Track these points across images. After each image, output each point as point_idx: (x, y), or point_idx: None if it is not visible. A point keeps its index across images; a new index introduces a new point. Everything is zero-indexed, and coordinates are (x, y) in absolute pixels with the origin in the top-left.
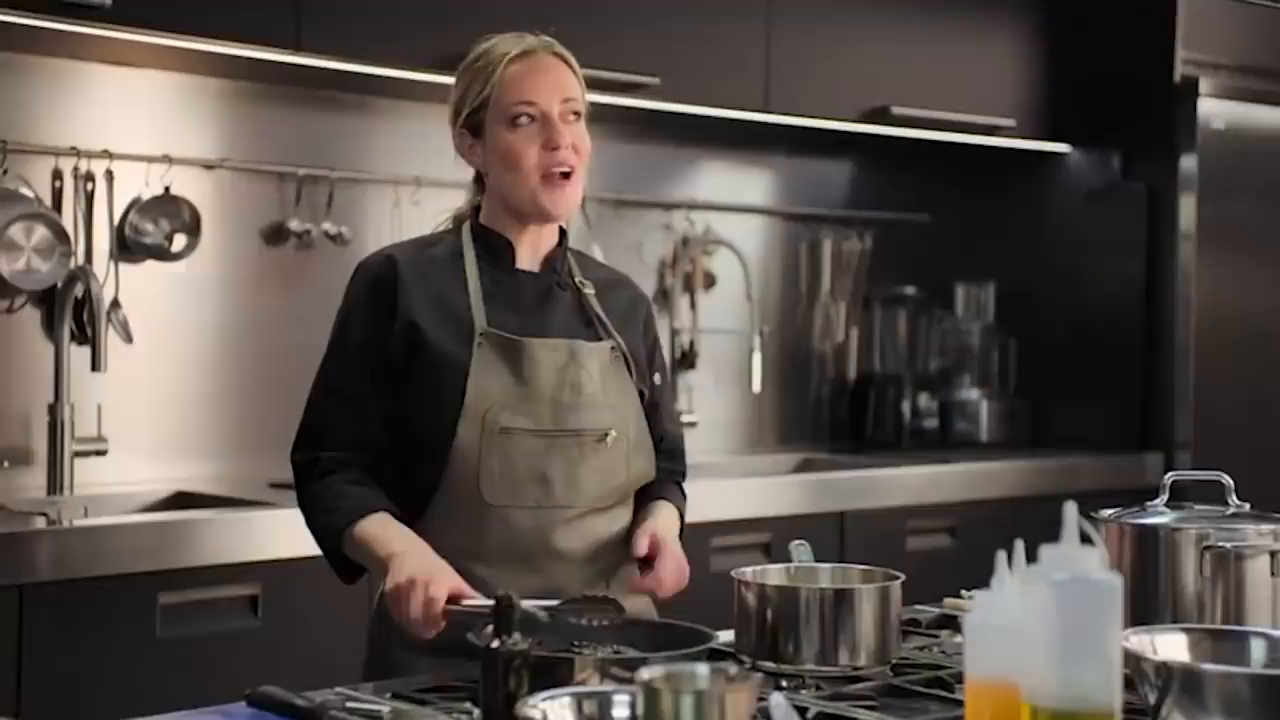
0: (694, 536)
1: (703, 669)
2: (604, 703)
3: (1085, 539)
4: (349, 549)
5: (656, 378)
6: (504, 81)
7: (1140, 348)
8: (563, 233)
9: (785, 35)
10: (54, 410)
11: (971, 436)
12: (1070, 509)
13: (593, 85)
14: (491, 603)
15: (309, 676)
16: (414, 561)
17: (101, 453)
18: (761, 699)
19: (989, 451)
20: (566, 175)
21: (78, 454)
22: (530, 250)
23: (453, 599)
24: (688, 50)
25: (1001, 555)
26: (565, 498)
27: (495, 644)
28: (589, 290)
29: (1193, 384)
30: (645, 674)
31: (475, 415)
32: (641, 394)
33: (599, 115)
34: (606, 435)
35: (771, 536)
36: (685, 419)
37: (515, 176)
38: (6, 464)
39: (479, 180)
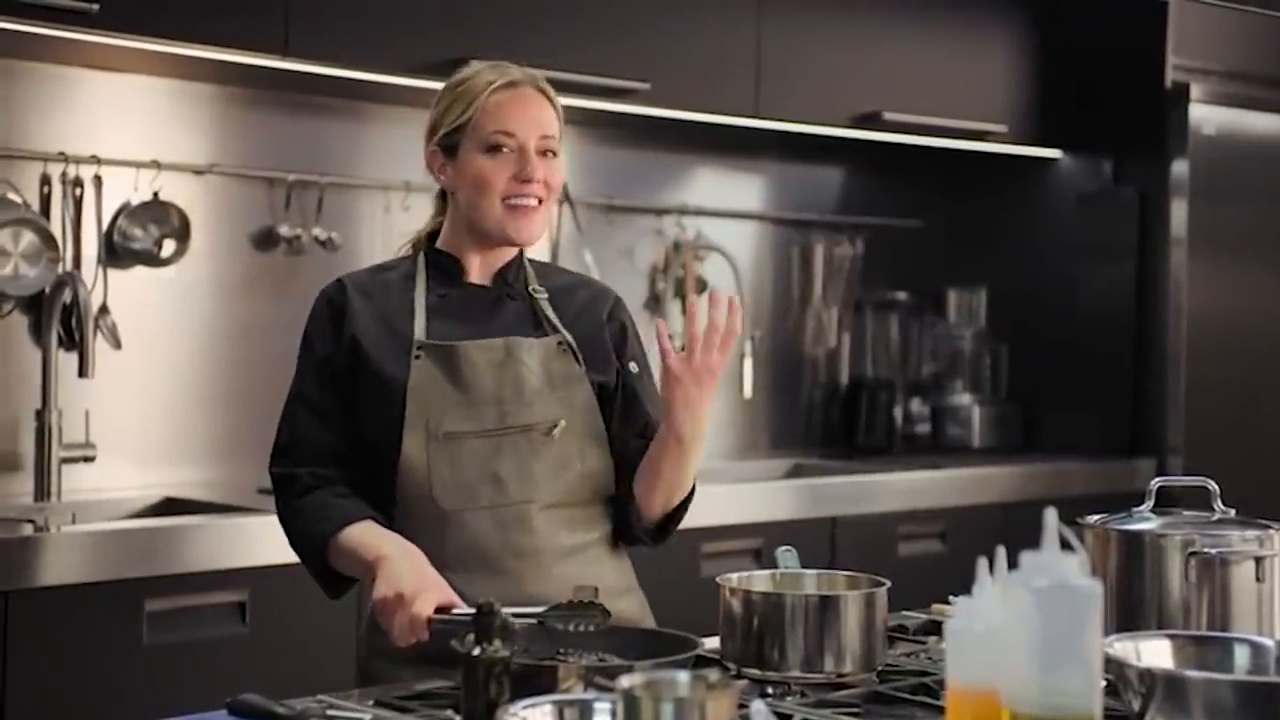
0: (684, 542)
1: (683, 676)
2: (585, 710)
3: (1066, 545)
4: (334, 558)
5: (633, 365)
6: (486, 108)
7: (1131, 353)
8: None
9: (775, 40)
10: (41, 416)
11: (963, 442)
12: (1050, 515)
13: (583, 91)
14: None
15: (296, 683)
16: (404, 571)
17: (89, 459)
18: (743, 706)
19: (980, 457)
20: (533, 206)
21: (65, 460)
22: (483, 266)
23: (441, 610)
24: (678, 55)
25: (983, 562)
26: (520, 493)
27: (476, 651)
28: (541, 295)
29: (1184, 389)
30: (625, 681)
31: (418, 424)
32: (600, 384)
33: (590, 120)
34: (555, 426)
35: (763, 542)
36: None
37: (483, 201)
38: None
39: (442, 198)
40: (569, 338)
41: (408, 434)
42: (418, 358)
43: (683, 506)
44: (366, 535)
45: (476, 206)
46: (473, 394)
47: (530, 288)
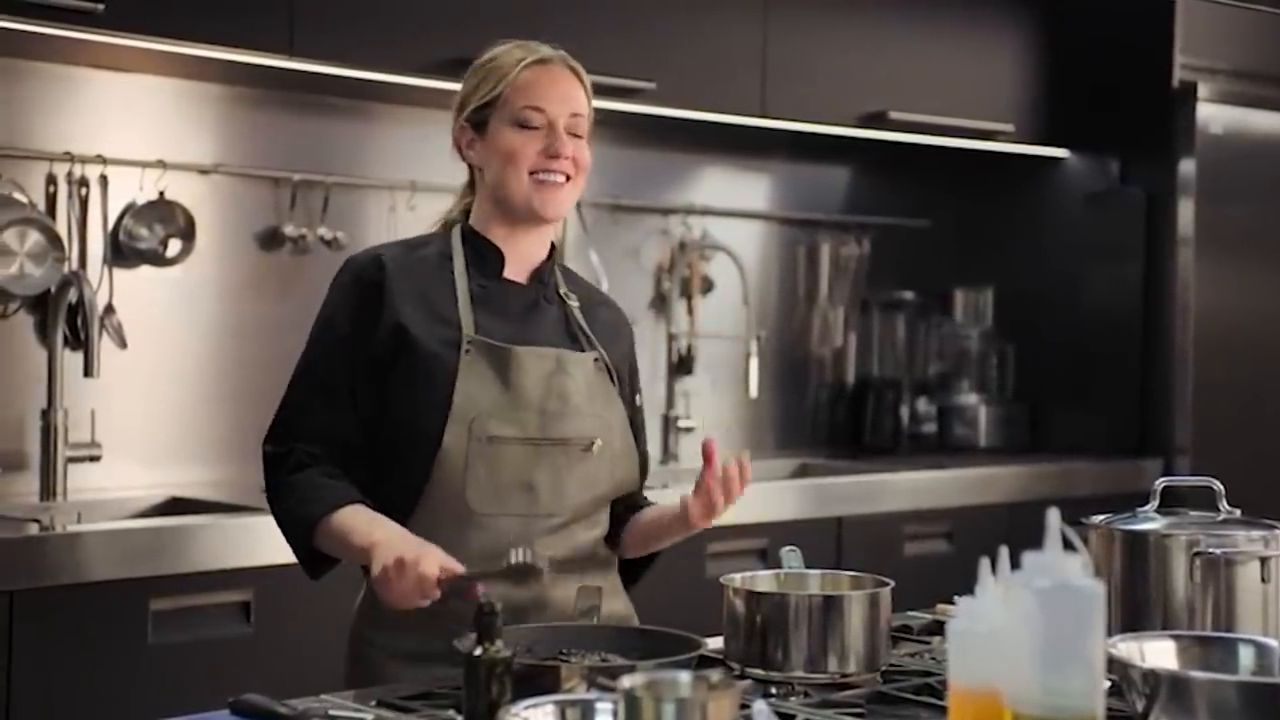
0: (689, 542)
1: (684, 676)
2: (586, 710)
3: (1068, 546)
4: (321, 539)
5: (638, 399)
6: (517, 84)
7: (1139, 353)
8: (552, 247)
9: (782, 40)
10: (47, 416)
11: (969, 441)
12: (1053, 515)
13: None
14: (479, 573)
15: (301, 683)
16: (397, 541)
17: (95, 458)
18: (746, 706)
19: (987, 456)
20: (560, 182)
21: (71, 460)
22: (519, 260)
23: (442, 573)
24: (684, 55)
25: (985, 562)
26: (550, 506)
27: (478, 651)
28: (574, 303)
29: (1191, 389)
30: (627, 681)
31: (462, 422)
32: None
33: (596, 119)
34: (592, 444)
35: (768, 542)
36: (682, 424)
37: (511, 174)
38: (0, 470)
39: (471, 184)
40: (605, 357)
41: (450, 429)
42: (468, 352)
43: (656, 556)
44: (357, 520)
45: (504, 181)
46: (519, 399)
47: (563, 292)
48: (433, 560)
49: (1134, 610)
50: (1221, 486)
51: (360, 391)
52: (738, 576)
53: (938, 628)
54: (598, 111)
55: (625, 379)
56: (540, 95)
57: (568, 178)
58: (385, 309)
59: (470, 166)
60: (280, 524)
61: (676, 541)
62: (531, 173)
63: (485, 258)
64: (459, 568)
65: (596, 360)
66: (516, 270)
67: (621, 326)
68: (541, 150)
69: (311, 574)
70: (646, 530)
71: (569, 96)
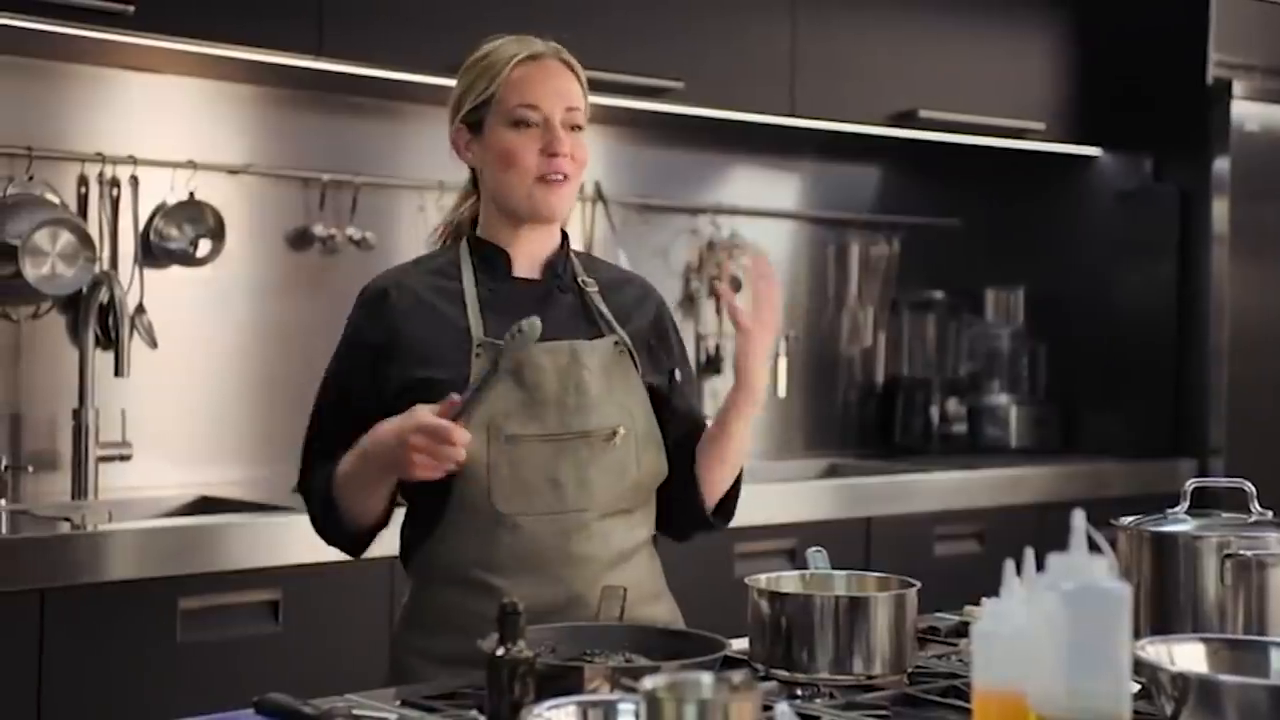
0: (718, 542)
1: (706, 678)
2: (609, 711)
3: (1094, 547)
4: (340, 497)
5: (677, 373)
6: (510, 82)
7: (1172, 352)
8: (565, 236)
9: (811, 38)
10: (79, 415)
11: (1001, 442)
12: (1078, 517)
13: (617, 89)
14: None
15: (329, 682)
16: (390, 444)
17: (126, 457)
18: (769, 708)
19: (1018, 457)
20: (561, 180)
21: (102, 459)
22: (528, 256)
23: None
24: (712, 54)
25: (1010, 564)
26: (577, 501)
27: (500, 651)
28: (591, 288)
29: (1225, 389)
30: (649, 683)
31: (480, 426)
32: (652, 388)
33: (625, 119)
34: (615, 433)
35: (797, 542)
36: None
37: (512, 176)
38: (31, 468)
39: (474, 183)
40: (625, 338)
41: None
42: (478, 355)
43: (740, 479)
44: (348, 461)
45: (504, 183)
46: (536, 396)
47: (580, 280)
48: (417, 419)
49: (1164, 612)
50: (1254, 488)
51: (365, 413)
52: (763, 577)
53: (965, 629)
54: (627, 110)
55: (655, 350)
56: (534, 92)
57: (567, 176)
58: (387, 337)
59: (471, 167)
60: (314, 515)
61: (747, 423)
62: (534, 175)
63: (492, 261)
64: (446, 403)
65: (616, 343)
66: (527, 267)
67: (647, 298)
68: (540, 149)
69: (352, 551)
70: (714, 438)
71: (564, 91)
